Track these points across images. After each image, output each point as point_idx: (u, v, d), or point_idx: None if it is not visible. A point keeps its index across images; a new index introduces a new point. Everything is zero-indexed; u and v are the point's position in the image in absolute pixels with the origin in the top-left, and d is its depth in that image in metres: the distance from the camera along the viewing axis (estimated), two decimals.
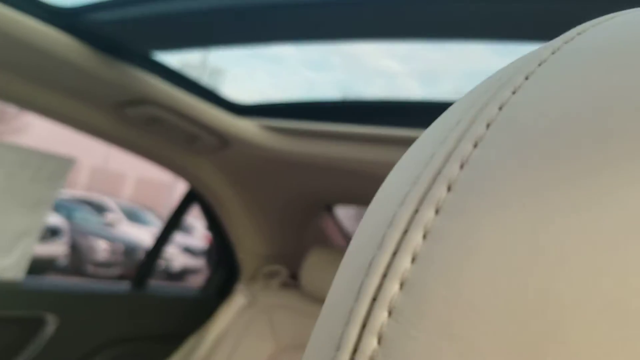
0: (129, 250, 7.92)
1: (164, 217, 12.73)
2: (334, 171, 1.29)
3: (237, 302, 1.55)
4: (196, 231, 11.61)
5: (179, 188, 16.29)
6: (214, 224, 1.57)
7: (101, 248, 7.43)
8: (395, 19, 0.72)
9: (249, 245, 1.59)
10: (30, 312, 1.25)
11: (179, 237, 9.52)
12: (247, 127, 1.19)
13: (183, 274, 8.54)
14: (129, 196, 16.70)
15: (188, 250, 9.07)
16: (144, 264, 1.49)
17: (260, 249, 1.61)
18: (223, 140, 1.20)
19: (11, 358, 1.22)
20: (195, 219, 13.72)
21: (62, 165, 1.20)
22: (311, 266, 1.45)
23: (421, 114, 1.08)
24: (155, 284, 1.53)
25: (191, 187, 1.47)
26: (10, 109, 16.58)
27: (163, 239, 1.48)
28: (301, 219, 1.66)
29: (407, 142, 1.09)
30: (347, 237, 1.85)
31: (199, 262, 9.03)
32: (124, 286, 1.47)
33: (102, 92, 1.01)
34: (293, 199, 1.56)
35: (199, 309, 1.62)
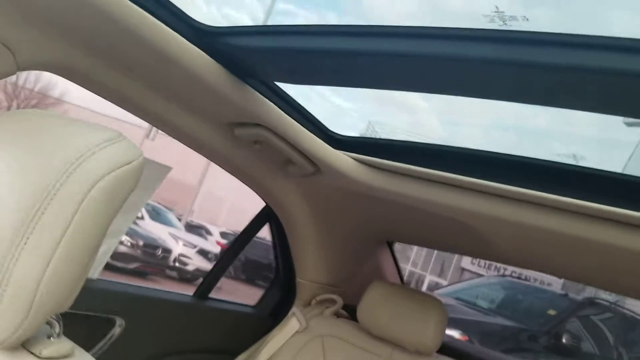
0: (148, 246, 7.92)
1: (184, 218, 12.71)
2: (409, 210, 1.26)
3: (291, 325, 1.51)
4: (211, 237, 11.61)
5: (203, 192, 16.36)
6: (280, 245, 1.54)
7: (123, 242, 7.45)
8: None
9: (309, 271, 1.56)
10: (100, 311, 1.23)
11: (196, 240, 9.54)
12: (341, 159, 1.17)
13: (197, 276, 8.53)
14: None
15: (203, 253, 9.07)
16: (209, 277, 1.46)
17: (319, 276, 1.58)
18: (316, 168, 1.19)
19: None
20: (211, 225, 13.72)
21: (157, 172, 1.19)
22: (370, 300, 1.42)
23: (508, 169, 1.06)
24: (215, 297, 1.51)
25: (267, 206, 1.45)
26: (51, 97, 16.84)
27: (233, 254, 1.46)
28: (362, 252, 1.63)
29: (491, 193, 1.06)
30: (400, 275, 1.81)
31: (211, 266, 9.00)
32: (187, 296, 1.45)
33: (221, 111, 1.00)
34: (360, 232, 1.54)
35: (252, 326, 1.59)
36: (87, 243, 0.49)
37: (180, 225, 10.46)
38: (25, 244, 0.44)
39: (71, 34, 0.80)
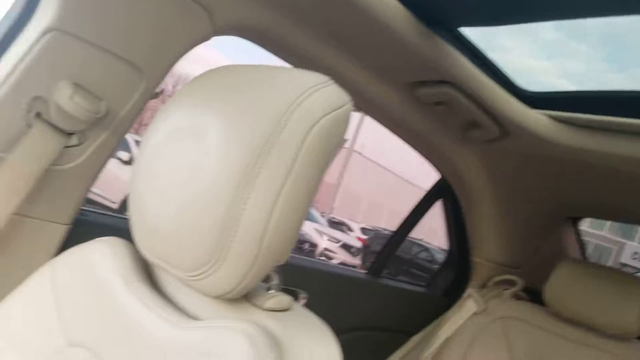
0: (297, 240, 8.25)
1: (326, 215, 13.09)
2: (611, 175, 1.06)
3: (467, 307, 1.39)
4: (352, 233, 11.76)
5: (341, 190, 16.72)
6: (454, 222, 1.42)
7: None
8: None
9: (486, 250, 1.42)
10: (286, 284, 1.22)
11: (339, 235, 9.74)
12: (534, 118, 1.02)
13: None
14: None
15: (346, 247, 9.21)
16: (382, 254, 1.40)
17: (497, 255, 1.43)
18: (504, 131, 1.05)
19: None
20: (351, 221, 13.92)
21: None
22: (560, 280, 1.24)
23: None
24: (387, 276, 1.44)
25: (440, 181, 1.34)
26: None
27: (404, 231, 1.37)
28: (546, 230, 1.44)
29: None
30: (585, 256, 1.58)
31: (355, 261, 9.10)
32: (361, 273, 1.40)
33: (405, 67, 0.92)
34: (546, 206, 1.35)
35: (425, 305, 1.49)
36: (305, 192, 0.45)
37: (324, 221, 10.75)
38: (250, 192, 0.42)
39: None
